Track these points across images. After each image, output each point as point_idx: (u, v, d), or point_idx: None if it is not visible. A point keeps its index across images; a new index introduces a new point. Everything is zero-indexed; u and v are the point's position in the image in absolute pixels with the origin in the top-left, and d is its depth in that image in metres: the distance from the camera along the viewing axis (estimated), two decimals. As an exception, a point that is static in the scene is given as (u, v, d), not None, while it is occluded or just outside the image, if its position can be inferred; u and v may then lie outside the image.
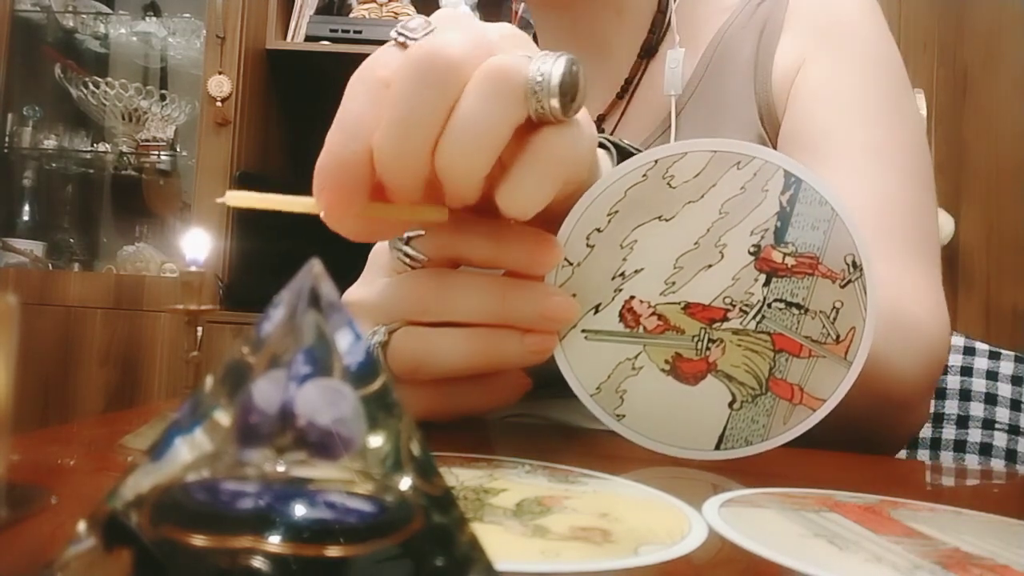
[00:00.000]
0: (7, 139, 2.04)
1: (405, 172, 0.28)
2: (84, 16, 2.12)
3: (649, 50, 0.62)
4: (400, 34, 0.29)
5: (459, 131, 0.27)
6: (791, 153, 0.53)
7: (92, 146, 2.11)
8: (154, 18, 2.09)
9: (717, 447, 0.33)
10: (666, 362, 0.32)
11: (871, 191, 0.49)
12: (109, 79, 2.01)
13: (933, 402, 0.80)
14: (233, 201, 0.29)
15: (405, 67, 0.27)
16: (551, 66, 0.27)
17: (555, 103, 0.27)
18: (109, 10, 2.14)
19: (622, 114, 0.63)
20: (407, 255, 0.35)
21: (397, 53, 0.29)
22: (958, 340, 0.82)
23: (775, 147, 0.55)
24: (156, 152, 2.04)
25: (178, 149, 2.08)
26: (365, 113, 0.28)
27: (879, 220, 0.48)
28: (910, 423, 0.48)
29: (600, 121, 0.63)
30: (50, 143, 2.07)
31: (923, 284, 0.48)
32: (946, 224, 1.76)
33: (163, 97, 2.05)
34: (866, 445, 0.41)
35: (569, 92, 0.27)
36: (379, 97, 0.28)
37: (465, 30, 0.29)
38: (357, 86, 0.29)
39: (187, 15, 2.07)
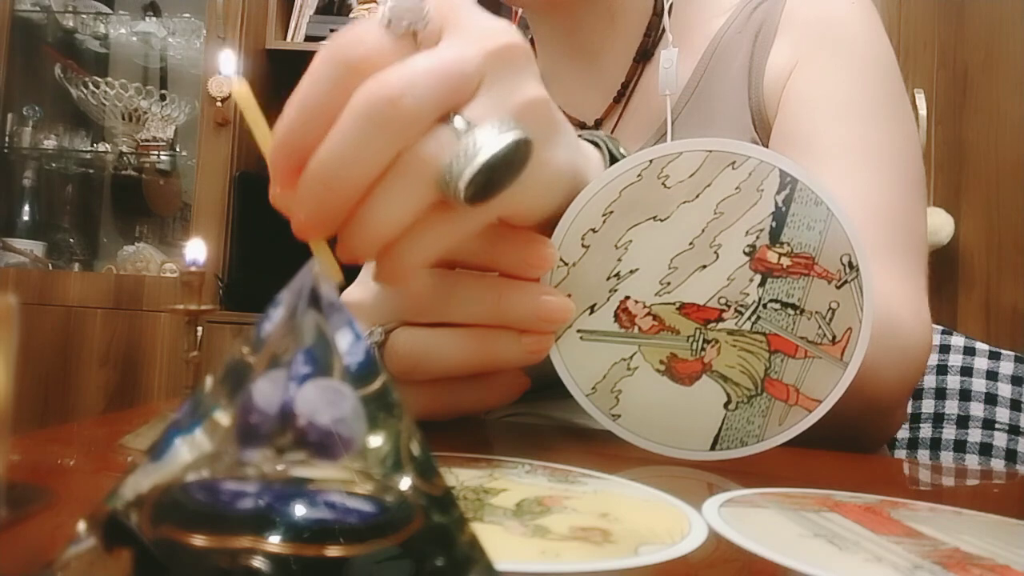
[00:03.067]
0: (7, 139, 2.04)
1: (322, 215, 0.27)
2: (84, 16, 2.12)
3: (645, 54, 0.62)
4: (388, 18, 0.28)
5: (373, 210, 0.27)
6: (782, 154, 0.53)
7: (92, 146, 2.11)
8: (154, 18, 2.09)
9: (712, 447, 0.33)
10: (661, 362, 0.32)
11: (859, 192, 0.49)
12: (109, 79, 2.01)
13: (933, 402, 0.80)
14: (239, 94, 0.29)
15: (357, 106, 0.26)
16: (472, 156, 0.26)
17: (459, 198, 0.27)
18: (109, 10, 2.14)
19: (619, 118, 0.63)
20: None
21: (376, 33, 0.28)
22: (958, 340, 0.82)
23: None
24: (156, 152, 2.04)
25: (178, 149, 2.08)
26: (324, 102, 0.27)
27: (866, 221, 0.48)
28: (889, 424, 0.48)
29: (597, 125, 0.63)
30: (50, 143, 2.07)
31: (907, 287, 0.48)
32: (946, 224, 1.76)
33: (163, 97, 2.06)
34: (845, 445, 0.41)
35: (482, 186, 0.27)
36: (344, 86, 0.27)
37: (449, 46, 0.28)
38: (323, 68, 0.27)
39: (187, 15, 2.07)
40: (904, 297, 0.47)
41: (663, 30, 0.61)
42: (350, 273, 0.39)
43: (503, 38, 0.29)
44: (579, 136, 0.35)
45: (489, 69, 0.28)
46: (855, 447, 0.43)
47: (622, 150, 0.35)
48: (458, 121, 0.27)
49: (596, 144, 0.36)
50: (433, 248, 0.29)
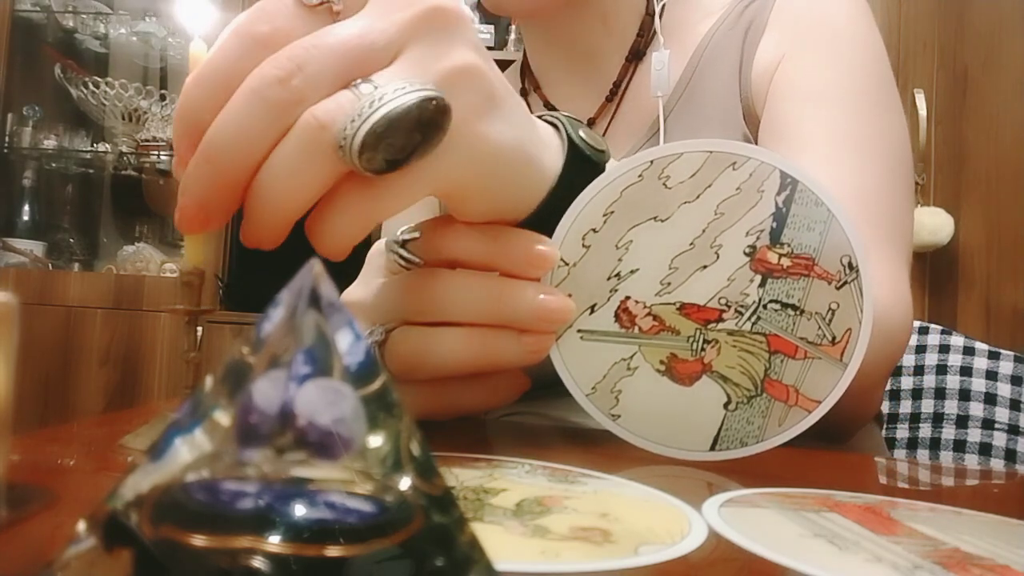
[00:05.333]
0: (7, 139, 2.04)
1: (207, 196, 0.26)
2: (84, 16, 2.12)
3: (637, 53, 0.62)
4: None
5: (265, 184, 0.25)
6: (768, 144, 0.53)
7: (92, 146, 2.11)
8: (154, 18, 2.09)
9: (712, 448, 0.33)
10: (661, 363, 0.32)
11: (841, 178, 0.49)
12: (109, 79, 2.01)
13: (933, 402, 0.80)
14: (194, 56, 0.29)
15: (247, 85, 0.25)
16: (365, 117, 0.24)
17: (358, 163, 0.25)
18: (109, 10, 2.14)
19: (612, 117, 0.63)
20: (403, 257, 0.35)
21: (287, 6, 0.26)
22: (958, 340, 0.82)
23: (756, 143, 0.56)
24: (156, 152, 2.04)
25: (178, 149, 2.07)
26: (227, 76, 0.26)
27: (849, 208, 0.48)
28: (864, 411, 0.49)
29: (590, 124, 0.63)
30: (50, 143, 2.07)
31: (889, 272, 0.48)
32: (946, 224, 1.76)
33: (163, 97, 2.06)
34: (823, 429, 0.41)
35: (382, 148, 0.25)
36: (249, 62, 0.26)
37: (361, 17, 0.26)
38: (229, 42, 0.26)
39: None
40: (885, 282, 0.47)
41: (655, 30, 0.61)
42: (352, 274, 0.39)
43: (429, 2, 0.27)
44: (539, 116, 0.34)
45: (409, 38, 0.27)
46: (828, 435, 0.43)
47: (582, 133, 0.34)
48: (364, 85, 0.25)
49: (555, 126, 0.34)
50: (349, 228, 0.27)
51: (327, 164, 0.26)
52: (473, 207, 0.32)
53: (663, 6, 0.61)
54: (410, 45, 0.27)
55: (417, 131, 0.26)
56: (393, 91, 0.25)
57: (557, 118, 0.34)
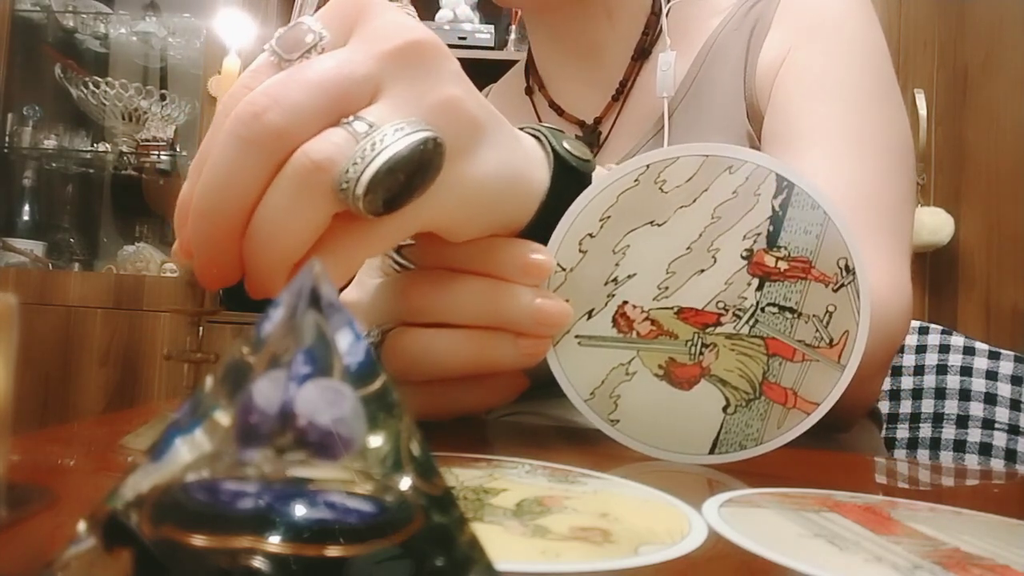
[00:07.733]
0: (7, 139, 2.04)
1: (212, 252, 0.26)
2: (84, 16, 2.12)
3: (643, 52, 0.62)
4: (275, 52, 0.27)
5: (261, 229, 0.25)
6: (770, 140, 0.54)
7: (92, 146, 2.11)
8: (154, 18, 2.09)
9: (711, 451, 0.33)
10: (659, 367, 0.32)
11: (842, 173, 0.50)
12: (109, 79, 2.01)
13: (933, 402, 0.80)
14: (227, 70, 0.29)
15: (226, 129, 0.25)
16: (369, 160, 0.24)
17: (360, 206, 0.25)
18: (109, 10, 2.14)
19: (617, 116, 0.63)
20: (398, 263, 0.35)
21: (270, 76, 0.26)
22: (958, 340, 0.82)
23: (760, 141, 0.56)
24: (156, 152, 2.04)
25: (178, 149, 2.08)
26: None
27: (848, 201, 0.48)
28: (862, 402, 0.49)
29: (596, 123, 0.64)
30: (50, 143, 2.07)
31: (887, 263, 0.48)
32: (946, 224, 1.76)
33: (163, 97, 2.06)
34: (819, 425, 0.41)
35: (383, 190, 0.25)
36: None
37: (337, 53, 0.26)
38: (220, 120, 0.26)
39: (187, 15, 2.07)
40: (879, 269, 0.47)
41: (661, 29, 0.61)
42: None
43: (406, 36, 0.27)
44: (521, 128, 0.34)
45: (388, 72, 0.26)
46: (833, 423, 0.43)
47: (566, 144, 0.33)
48: (357, 123, 0.25)
49: (537, 138, 0.34)
50: (343, 269, 0.27)
51: (325, 206, 0.25)
52: (464, 233, 0.32)
53: (670, 7, 0.61)
54: (391, 80, 0.27)
55: (417, 171, 0.26)
56: (393, 132, 0.25)
57: (539, 130, 0.34)
